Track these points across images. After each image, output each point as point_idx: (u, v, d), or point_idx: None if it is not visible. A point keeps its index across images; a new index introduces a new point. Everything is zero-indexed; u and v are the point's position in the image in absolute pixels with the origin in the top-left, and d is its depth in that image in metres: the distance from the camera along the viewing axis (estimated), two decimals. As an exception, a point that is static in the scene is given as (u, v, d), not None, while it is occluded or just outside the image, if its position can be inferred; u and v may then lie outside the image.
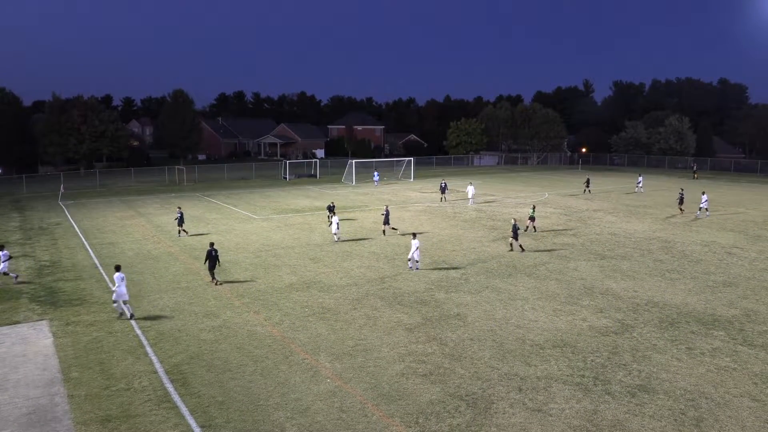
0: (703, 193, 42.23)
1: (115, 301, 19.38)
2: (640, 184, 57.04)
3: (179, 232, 33.33)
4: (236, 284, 23.28)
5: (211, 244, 23.44)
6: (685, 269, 25.91)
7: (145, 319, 19.15)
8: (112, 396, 13.79)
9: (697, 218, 38.72)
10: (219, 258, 23.24)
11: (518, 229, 29.25)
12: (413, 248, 24.88)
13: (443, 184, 49.52)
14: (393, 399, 13.64)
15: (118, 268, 19.64)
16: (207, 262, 23.02)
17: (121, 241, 31.94)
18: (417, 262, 25.21)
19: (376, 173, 64.24)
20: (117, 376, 14.83)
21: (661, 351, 16.56)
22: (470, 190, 46.45)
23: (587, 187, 55.51)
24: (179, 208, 35.33)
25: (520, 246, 29.05)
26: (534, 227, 34.48)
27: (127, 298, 19.37)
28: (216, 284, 22.89)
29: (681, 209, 41.96)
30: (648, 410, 13.14)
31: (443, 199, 48.43)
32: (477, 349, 16.65)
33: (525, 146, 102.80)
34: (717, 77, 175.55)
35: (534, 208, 35.62)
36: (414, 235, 25.51)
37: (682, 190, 45.85)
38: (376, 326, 18.47)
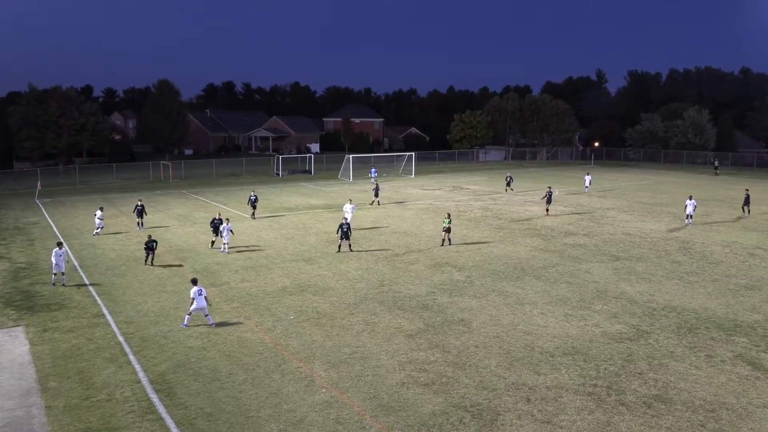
0: (690, 198, 37.57)
1: (54, 273, 23.40)
2: (588, 184, 53.93)
3: (140, 224, 35.30)
4: (225, 287, 23.29)
5: (150, 236, 27.06)
6: (704, 271, 25.93)
7: (128, 324, 19.17)
8: (93, 407, 13.77)
9: (686, 226, 36.20)
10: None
11: (349, 229, 29.02)
12: (196, 301, 18.60)
13: (375, 185, 46.71)
14: (393, 410, 13.64)
15: (60, 245, 23.74)
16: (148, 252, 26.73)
17: (102, 241, 31.92)
18: (207, 316, 19.01)
19: (373, 170, 64.15)
20: (98, 386, 14.82)
21: (679, 359, 16.57)
22: (347, 208, 34.89)
23: (508, 185, 53.95)
24: (140, 200, 36.93)
25: (339, 246, 29.03)
26: (449, 239, 30.59)
27: (64, 270, 23.57)
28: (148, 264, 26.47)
29: (547, 210, 40.54)
30: (665, 422, 13.15)
31: (376, 202, 45.09)
32: (482, 356, 16.65)
33: (534, 140, 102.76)
34: (739, 66, 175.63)
35: (449, 217, 31.13)
36: (194, 281, 19.18)
37: (550, 188, 42.74)
38: (374, 332, 18.47)
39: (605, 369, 15.87)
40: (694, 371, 15.75)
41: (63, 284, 23.45)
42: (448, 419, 13.23)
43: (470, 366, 16.02)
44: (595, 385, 14.89)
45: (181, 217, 39.76)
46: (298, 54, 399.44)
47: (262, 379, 15.22)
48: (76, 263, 27.07)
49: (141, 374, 15.52)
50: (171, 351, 17.04)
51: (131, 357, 16.63)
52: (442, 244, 30.50)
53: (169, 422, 13.12)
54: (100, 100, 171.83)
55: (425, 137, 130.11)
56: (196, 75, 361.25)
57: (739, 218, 39.59)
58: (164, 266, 26.57)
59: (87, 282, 24.08)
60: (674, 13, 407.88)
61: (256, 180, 64.39)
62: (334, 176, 68.09)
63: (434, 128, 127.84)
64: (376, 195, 45.45)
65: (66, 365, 16.09)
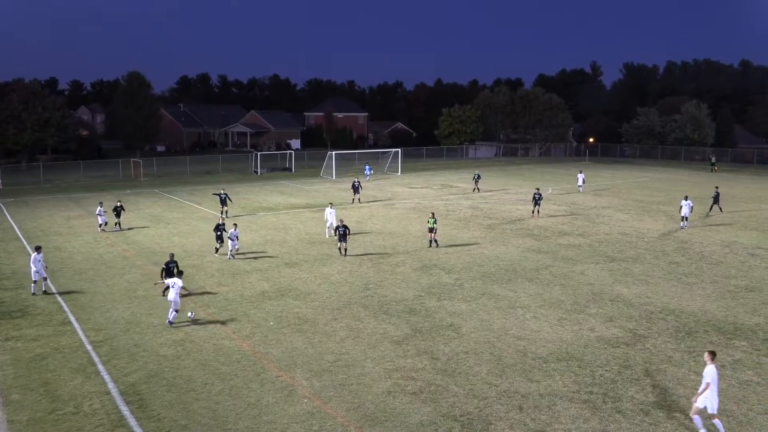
0: (686, 198, 36.56)
1: (35, 281, 22.83)
2: (581, 183, 53.09)
3: (117, 224, 35.56)
4: (201, 292, 23.14)
5: (171, 256, 22.84)
6: (703, 272, 26.22)
7: (97, 332, 18.99)
8: (59, 421, 13.63)
9: (682, 229, 35.58)
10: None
11: (346, 232, 28.61)
12: (175, 291, 19.48)
13: (356, 183, 46.64)
14: (379, 420, 13.65)
15: (38, 249, 23.12)
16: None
17: (68, 244, 31.62)
18: (175, 312, 19.60)
19: (367, 167, 63.98)
20: (64, 399, 14.67)
21: (677, 364, 16.73)
22: (329, 213, 33.36)
23: (476, 185, 53.50)
24: (119, 201, 36.98)
25: (345, 249, 28.72)
26: (435, 241, 30.55)
27: (45, 275, 23.24)
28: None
29: (533, 212, 39.31)
30: (663, 430, 13.27)
31: (356, 200, 45.86)
32: (473, 363, 16.71)
33: (526, 136, 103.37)
34: (738, 59, 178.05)
35: (433, 216, 30.74)
36: (178, 273, 20.52)
37: (538, 189, 41.02)
38: (359, 339, 18.46)
39: (601, 375, 15.99)
40: (693, 377, 15.90)
41: (45, 291, 23.01)
42: (436, 430, 13.25)
43: (460, 373, 16.07)
44: (591, 392, 15.00)
45: (153, 218, 39.48)
46: (278, 44, 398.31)
47: (240, 389, 15.15)
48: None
49: (110, 385, 15.37)
50: (143, 360, 16.91)
51: (100, 367, 16.47)
52: (430, 246, 30.56)
53: (141, 436, 13.03)
54: (66, 93, 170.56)
55: (412, 132, 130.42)
56: (169, 67, 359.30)
57: (707, 216, 40.09)
58: (137, 270, 26.37)
59: (52, 287, 23.81)
60: (671, 3, 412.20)
61: (233, 178, 64.16)
62: (315, 174, 67.96)
63: (421, 123, 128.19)
64: (357, 192, 45.94)
65: (30, 376, 15.91)
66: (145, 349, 17.71)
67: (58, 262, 27.66)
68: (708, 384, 12.79)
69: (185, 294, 21.18)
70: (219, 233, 28.68)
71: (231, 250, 28.40)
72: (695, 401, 13.04)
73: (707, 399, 12.83)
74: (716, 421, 12.93)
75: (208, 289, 23.54)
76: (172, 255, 22.91)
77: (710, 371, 12.88)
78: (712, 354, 13.18)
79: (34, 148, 76.73)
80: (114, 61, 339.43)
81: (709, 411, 12.88)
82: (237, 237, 28.58)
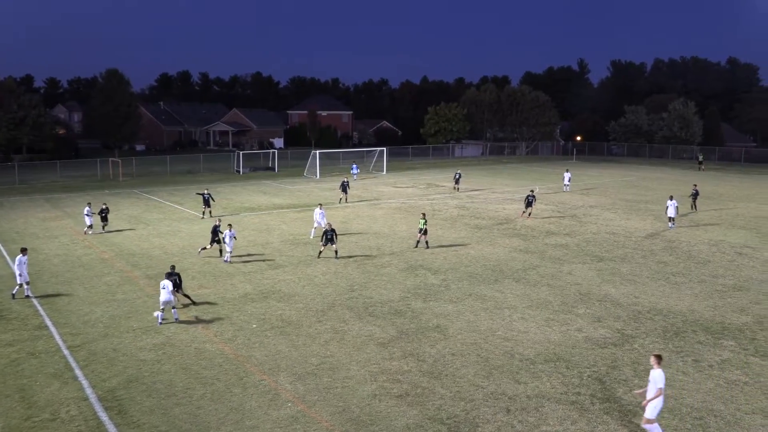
0: (671, 198, 36.82)
1: (19, 285, 22.64)
2: (567, 182, 53.19)
3: (103, 227, 35.18)
4: (181, 294, 22.97)
5: (173, 268, 21.64)
6: (691, 272, 26.48)
7: (74, 336, 18.81)
8: (35, 428, 13.50)
9: (669, 229, 35.68)
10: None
11: (334, 235, 28.28)
12: (161, 293, 20.05)
13: (345, 183, 46.60)
14: (364, 424, 13.64)
15: (23, 251, 23.06)
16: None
17: (45, 246, 31.30)
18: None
19: (354, 166, 63.89)
20: (41, 405, 14.53)
21: (665, 364, 16.77)
22: (317, 215, 33.29)
23: (456, 184, 53.41)
24: (104, 204, 36.31)
25: (336, 251, 28.44)
26: (426, 242, 30.58)
27: (28, 279, 22.96)
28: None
29: (522, 213, 39.44)
30: (651, 431, 13.38)
31: (343, 200, 45.68)
32: (459, 365, 16.75)
33: (512, 134, 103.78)
34: (726, 57, 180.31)
35: (424, 217, 30.70)
36: (167, 273, 20.84)
37: (532, 191, 40.72)
38: (344, 341, 18.45)
39: (589, 376, 16.10)
40: (680, 377, 16.07)
41: (27, 295, 22.70)
42: (423, 433, 13.27)
43: (446, 375, 16.10)
44: (578, 394, 15.09)
45: (132, 219, 39.18)
46: (260, 42, 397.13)
47: (222, 394, 15.08)
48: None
49: (89, 391, 15.24)
50: (122, 365, 16.78)
51: (78, 372, 16.32)
52: (416, 246, 30.58)
53: (120, 442, 12.93)
54: (42, 91, 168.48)
55: (397, 131, 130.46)
56: (149, 64, 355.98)
57: (693, 213, 40.80)
58: (116, 272, 26.16)
59: (28, 291, 23.54)
60: (659, 3, 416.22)
61: (215, 178, 63.83)
62: (299, 173, 67.76)
63: (407, 121, 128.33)
64: (345, 191, 45.78)
65: (5, 382, 15.73)
66: (125, 353, 17.57)
67: (34, 265, 27.31)
68: (661, 389, 12.79)
69: (188, 304, 21.76)
70: (215, 234, 28.45)
71: (228, 252, 28.00)
72: (645, 406, 13.02)
73: (655, 405, 12.82)
74: (651, 426, 12.91)
75: (190, 292, 23.38)
76: (173, 267, 21.67)
77: (660, 376, 12.83)
78: (659, 358, 13.14)
79: (8, 148, 75.90)
80: (92, 58, 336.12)
81: (650, 416, 12.83)
82: (234, 237, 28.25)
